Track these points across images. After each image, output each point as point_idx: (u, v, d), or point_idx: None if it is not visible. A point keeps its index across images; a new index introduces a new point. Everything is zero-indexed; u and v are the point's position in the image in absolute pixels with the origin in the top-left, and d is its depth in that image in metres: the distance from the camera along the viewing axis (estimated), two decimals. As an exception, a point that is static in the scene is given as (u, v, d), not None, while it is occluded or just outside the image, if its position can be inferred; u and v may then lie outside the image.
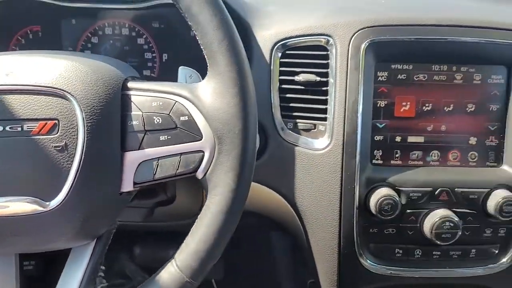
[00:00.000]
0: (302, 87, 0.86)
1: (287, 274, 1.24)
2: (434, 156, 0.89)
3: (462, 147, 0.88)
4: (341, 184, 0.84)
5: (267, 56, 0.87)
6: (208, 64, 0.57)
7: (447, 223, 0.83)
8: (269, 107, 0.87)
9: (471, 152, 0.89)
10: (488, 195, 0.85)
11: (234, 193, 0.55)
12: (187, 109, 0.55)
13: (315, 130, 0.86)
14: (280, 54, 0.88)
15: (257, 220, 1.02)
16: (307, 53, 0.86)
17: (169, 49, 1.06)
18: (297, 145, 0.86)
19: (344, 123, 0.83)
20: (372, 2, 0.94)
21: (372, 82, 0.85)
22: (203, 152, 0.55)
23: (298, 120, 0.87)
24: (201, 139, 0.55)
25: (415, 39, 0.84)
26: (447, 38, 0.84)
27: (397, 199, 0.81)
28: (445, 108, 0.87)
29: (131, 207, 0.94)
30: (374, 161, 0.87)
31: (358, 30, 0.84)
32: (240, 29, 0.86)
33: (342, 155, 0.83)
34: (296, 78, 0.86)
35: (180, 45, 1.04)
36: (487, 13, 0.91)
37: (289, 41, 0.87)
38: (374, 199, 0.82)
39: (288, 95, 0.87)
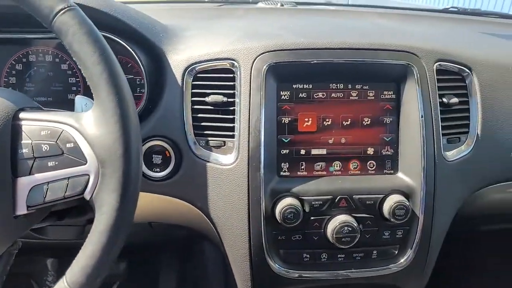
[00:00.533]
0: (212, 107, 0.93)
1: (218, 282, 1.30)
2: (336, 166, 0.97)
3: (361, 157, 0.97)
4: (248, 196, 0.90)
5: (179, 80, 0.94)
6: (93, 95, 0.63)
7: (346, 228, 0.91)
8: (182, 127, 0.93)
9: (369, 162, 0.97)
10: (383, 200, 0.93)
11: (118, 212, 0.61)
12: (73, 137, 0.60)
13: (225, 146, 0.93)
14: (192, 78, 0.95)
15: (188, 231, 1.07)
16: (216, 75, 0.94)
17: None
18: (208, 161, 0.93)
19: (249, 139, 0.90)
20: (278, 28, 1.02)
21: (275, 101, 0.93)
22: (89, 175, 0.60)
23: (209, 138, 0.93)
24: (86, 164, 0.60)
25: (312, 61, 0.93)
26: (341, 59, 0.94)
27: (300, 207, 0.89)
28: (344, 122, 0.96)
29: (62, 225, 0.99)
30: (281, 173, 0.95)
31: (259, 55, 0.92)
32: (155, 55, 0.94)
33: (248, 169, 0.90)
34: (207, 99, 0.93)
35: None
36: (378, 35, 1.02)
37: (199, 66, 0.94)
38: (278, 209, 0.89)
39: (200, 115, 0.93)
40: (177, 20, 1.26)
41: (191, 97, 0.94)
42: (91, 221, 1.11)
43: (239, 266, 0.94)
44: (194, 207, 0.95)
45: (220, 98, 0.92)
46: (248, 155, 0.90)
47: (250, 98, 0.90)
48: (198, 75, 0.94)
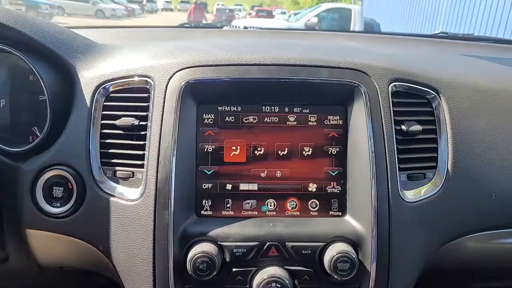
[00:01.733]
0: (122, 132, 0.80)
1: None
2: (270, 206, 0.80)
3: (301, 195, 0.80)
4: (154, 239, 0.75)
5: (88, 99, 0.81)
6: None
7: (274, 284, 0.73)
8: (88, 154, 0.80)
9: (311, 201, 0.80)
10: (324, 249, 0.75)
11: None
12: None
13: (133, 178, 0.78)
14: (104, 98, 0.83)
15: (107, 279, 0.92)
16: (130, 95, 0.81)
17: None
18: (113, 196, 0.78)
19: (157, 170, 0.76)
20: (209, 44, 0.90)
21: (195, 125, 0.79)
22: None
23: (117, 168, 0.79)
24: None
25: (239, 79, 0.80)
26: (275, 77, 0.80)
27: (216, 256, 0.72)
28: (280, 152, 0.80)
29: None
30: (202, 212, 0.79)
31: (177, 71, 0.79)
32: (64, 71, 0.83)
33: (154, 206, 0.75)
34: (117, 122, 0.80)
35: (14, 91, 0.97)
36: (323, 52, 0.87)
37: (111, 84, 0.82)
38: (189, 257, 0.73)
39: (108, 141, 0.80)
40: (121, 40, 1.17)
41: (101, 120, 0.82)
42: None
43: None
44: (97, 249, 0.81)
45: (130, 120, 0.78)
46: (156, 188, 0.75)
47: (162, 121, 0.77)
48: (111, 95, 0.82)
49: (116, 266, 0.78)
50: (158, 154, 0.75)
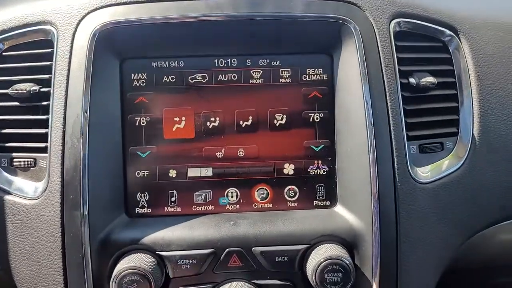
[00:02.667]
0: (18, 104, 0.58)
1: None
2: (232, 197, 0.58)
3: (273, 180, 0.58)
4: (63, 252, 0.53)
5: (-28, 62, 0.60)
6: None
7: (237, 307, 0.53)
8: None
9: (288, 187, 0.59)
10: (306, 254, 0.53)
11: None
12: None
13: (36, 167, 0.56)
14: None
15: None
16: (27, 53, 0.58)
17: None
18: (9, 192, 0.56)
19: (63, 155, 0.55)
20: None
21: (119, 90, 0.57)
22: None
23: (14, 154, 0.57)
24: None
25: (180, 20, 0.56)
26: (230, 15, 0.57)
27: (151, 273, 0.50)
28: (241, 123, 0.58)
29: None
30: (137, 209, 0.57)
31: (88, 13, 0.56)
32: None
33: (61, 205, 0.54)
34: (9, 91, 0.58)
35: None
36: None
37: (2, 38, 0.59)
38: (113, 276, 0.52)
39: (1, 117, 0.59)
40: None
41: None
42: None
43: None
44: None
45: (26, 87, 0.56)
46: (62, 181, 0.54)
47: (67, 84, 0.55)
48: (4, 54, 0.60)
49: (18, 286, 0.58)
50: (64, 132, 0.54)
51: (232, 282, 0.53)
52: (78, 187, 0.52)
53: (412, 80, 0.59)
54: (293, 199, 0.58)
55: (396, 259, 0.55)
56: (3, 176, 0.56)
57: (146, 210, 0.57)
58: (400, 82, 0.58)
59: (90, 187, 0.52)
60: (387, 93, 0.56)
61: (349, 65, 0.57)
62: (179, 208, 0.57)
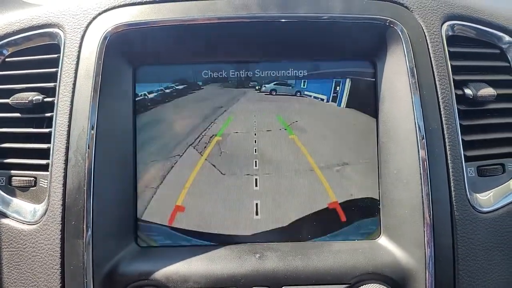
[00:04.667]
0: (19, 115, 0.52)
1: None
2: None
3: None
4: (62, 287, 0.47)
5: (-27, 70, 0.54)
6: None
7: None
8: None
9: (320, 214, 0.52)
10: (346, 297, 0.47)
11: None
12: None
13: (35, 187, 0.49)
14: None
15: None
16: (32, 59, 0.53)
17: None
18: (5, 215, 0.49)
19: (66, 174, 0.48)
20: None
21: (131, 100, 0.51)
22: None
23: (13, 172, 0.51)
24: None
25: (200, 22, 0.49)
26: (257, 16, 0.48)
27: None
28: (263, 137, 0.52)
29: None
30: (143, 237, 0.51)
31: (98, 14, 0.50)
32: None
33: (62, 232, 0.47)
34: (11, 101, 0.52)
35: None
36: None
37: (5, 42, 0.52)
38: (119, 318, 0.45)
39: (0, 130, 0.53)
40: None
41: None
42: None
43: None
44: None
45: (28, 96, 0.50)
46: (64, 204, 0.48)
47: (73, 93, 0.49)
48: (7, 60, 0.55)
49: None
50: (67, 148, 0.48)
51: (258, 328, 0.46)
52: (81, 211, 0.45)
53: (468, 91, 0.51)
54: (327, 228, 0.51)
55: (453, 298, 0.47)
56: (0, 197, 0.51)
57: (154, 239, 0.50)
58: (455, 93, 0.50)
59: (95, 211, 0.45)
60: (441, 105, 0.48)
61: (396, 73, 0.49)
62: (197, 238, 0.51)
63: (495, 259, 0.49)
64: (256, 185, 0.49)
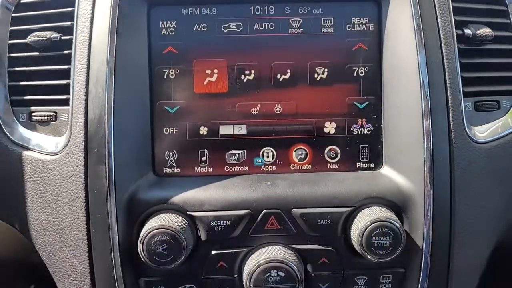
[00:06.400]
0: (38, 54, 0.53)
1: None
2: (267, 157, 0.54)
3: (313, 139, 0.54)
4: (87, 209, 0.49)
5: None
6: None
7: (275, 273, 0.49)
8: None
9: (329, 147, 0.54)
10: (351, 218, 0.49)
11: None
12: None
13: (57, 121, 0.52)
14: (12, 6, 0.56)
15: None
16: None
17: None
18: (28, 148, 0.52)
19: (87, 105, 0.50)
20: None
21: (146, 38, 0.52)
22: None
23: (33, 108, 0.53)
24: None
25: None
26: None
27: (182, 233, 0.46)
28: (279, 76, 0.53)
29: None
30: (165, 169, 0.53)
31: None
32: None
33: (85, 160, 0.50)
34: (28, 40, 0.54)
35: None
36: None
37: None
38: (141, 236, 0.48)
39: (19, 69, 0.53)
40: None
41: (9, 39, 0.56)
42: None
43: None
44: (10, 226, 0.56)
45: (46, 34, 0.52)
46: (86, 133, 0.49)
47: (91, 31, 0.50)
48: (22, 1, 0.56)
49: (39, 250, 0.53)
50: (87, 81, 0.49)
51: (270, 247, 0.49)
52: (103, 139, 0.47)
53: (467, 31, 0.53)
54: (334, 160, 0.53)
55: (450, 225, 0.50)
56: (22, 132, 0.52)
57: (175, 170, 0.53)
58: (456, 33, 0.53)
59: (115, 141, 0.48)
60: (443, 43, 0.51)
61: (400, 12, 0.51)
62: (210, 168, 0.53)
63: (489, 187, 0.52)
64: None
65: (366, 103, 0.53)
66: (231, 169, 0.53)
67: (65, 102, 0.51)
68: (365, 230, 0.47)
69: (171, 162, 0.53)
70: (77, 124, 0.49)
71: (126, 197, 0.48)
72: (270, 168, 0.53)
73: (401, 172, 0.51)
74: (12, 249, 0.57)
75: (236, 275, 0.49)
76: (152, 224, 0.47)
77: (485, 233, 0.53)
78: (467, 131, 0.51)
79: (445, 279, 0.52)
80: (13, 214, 0.53)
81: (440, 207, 0.49)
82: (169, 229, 0.46)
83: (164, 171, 0.52)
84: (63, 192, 0.49)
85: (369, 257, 0.47)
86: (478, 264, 0.55)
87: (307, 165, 0.53)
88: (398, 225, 0.47)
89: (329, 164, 0.53)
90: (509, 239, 0.57)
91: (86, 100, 0.48)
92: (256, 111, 0.53)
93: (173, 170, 0.53)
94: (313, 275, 0.49)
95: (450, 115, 0.50)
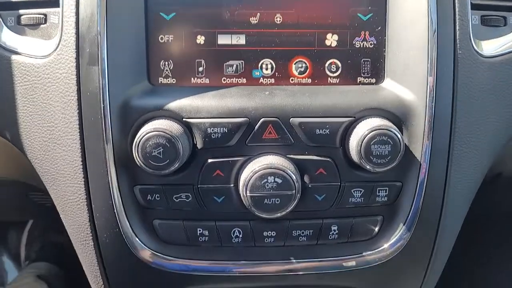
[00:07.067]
0: None
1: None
2: (266, 69, 0.52)
3: (314, 52, 0.51)
4: (80, 113, 0.48)
5: None
6: None
7: (272, 179, 0.47)
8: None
9: (330, 61, 0.52)
10: (350, 128, 0.48)
11: None
12: None
13: (46, 24, 0.49)
14: None
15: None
16: None
17: None
18: (17, 52, 0.50)
19: (77, 5, 0.47)
20: None
21: None
22: None
23: (22, 11, 0.50)
24: None
25: None
26: None
27: (178, 137, 0.45)
28: (280, -16, 0.52)
29: None
30: (160, 79, 0.51)
31: None
32: None
33: (77, 60, 0.47)
34: None
35: None
36: None
37: None
38: (136, 138, 0.47)
39: None
40: None
41: None
42: None
43: (79, 239, 0.52)
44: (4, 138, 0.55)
45: None
46: (77, 33, 0.47)
47: None
48: None
49: (31, 159, 0.52)
50: None
51: (267, 156, 0.48)
52: (96, 38, 0.45)
53: None
54: (335, 74, 0.52)
55: (449, 139, 0.50)
56: (10, 35, 0.50)
57: (171, 81, 0.51)
58: None
59: (108, 42, 0.46)
60: None
61: None
62: (207, 79, 0.51)
63: (490, 103, 0.52)
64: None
65: (370, 14, 0.51)
66: (228, 80, 0.51)
67: (55, 3, 0.48)
68: (364, 138, 0.46)
69: (167, 72, 0.51)
70: (68, 24, 0.46)
71: (120, 101, 0.46)
72: (269, 80, 0.52)
73: (403, 84, 0.49)
74: (12, 165, 0.56)
75: (232, 185, 0.49)
76: (147, 127, 0.46)
77: (483, 151, 0.53)
78: (473, 44, 0.49)
79: (441, 195, 0.52)
80: (4, 123, 0.52)
81: (441, 120, 0.49)
82: (164, 132, 0.45)
83: (160, 81, 0.50)
84: (54, 96, 0.48)
85: (367, 166, 0.47)
86: (473, 185, 0.55)
87: (306, 79, 0.52)
88: (398, 133, 0.46)
89: (329, 78, 0.52)
90: (502, 162, 0.58)
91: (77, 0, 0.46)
92: (256, 20, 0.51)
93: (168, 80, 0.51)
94: (309, 186, 0.49)
95: (457, 25, 0.48)
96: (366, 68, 0.52)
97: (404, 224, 0.51)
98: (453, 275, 0.74)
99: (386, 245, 0.52)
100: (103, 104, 0.46)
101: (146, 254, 0.50)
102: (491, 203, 0.81)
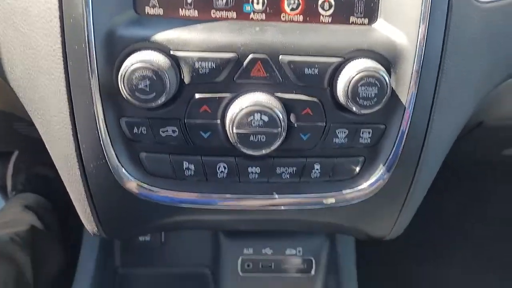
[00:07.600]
0: None
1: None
2: (257, 4, 0.50)
3: (307, -13, 0.51)
4: (63, 42, 0.46)
5: None
6: None
7: (258, 116, 0.47)
8: None
9: (323, -2, 0.53)
10: (339, 69, 0.48)
11: None
12: None
13: None
14: None
15: None
16: None
17: None
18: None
19: None
20: None
21: None
22: None
23: None
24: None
25: None
26: None
27: (165, 70, 0.45)
28: None
29: None
30: (147, 8, 0.49)
31: None
32: None
33: None
34: None
35: None
36: None
37: None
38: (122, 70, 0.46)
39: None
40: None
41: None
42: None
43: (66, 173, 0.52)
44: None
45: None
46: None
47: None
48: None
49: (14, 87, 0.51)
50: None
51: (254, 93, 0.48)
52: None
53: None
54: (328, 13, 0.50)
55: (435, 85, 0.50)
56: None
57: (158, 11, 0.48)
58: None
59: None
60: None
61: None
62: (196, 11, 0.49)
63: (479, 51, 0.52)
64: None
65: None
66: (218, 14, 0.49)
67: None
68: (352, 79, 0.46)
69: (154, 2, 0.49)
70: None
71: (104, 30, 0.44)
72: (260, 16, 0.50)
73: (395, 25, 0.48)
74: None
75: (219, 121, 0.49)
76: (133, 59, 0.45)
77: (468, 98, 0.54)
78: (469, -13, 0.49)
79: (422, 139, 0.53)
80: None
81: (429, 65, 0.49)
82: (151, 64, 0.44)
83: (146, 11, 0.48)
84: (35, 22, 0.45)
85: (353, 108, 0.47)
86: (454, 131, 0.57)
87: (298, 16, 0.50)
88: (386, 76, 0.46)
89: (321, 17, 0.50)
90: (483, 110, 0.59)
91: None
92: (248, -51, 0.49)
93: (155, 11, 0.48)
94: (295, 125, 0.49)
95: None
96: (359, 8, 0.51)
97: (384, 165, 0.53)
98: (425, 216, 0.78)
99: (365, 185, 0.54)
100: (87, 31, 0.44)
101: (132, 185, 0.52)
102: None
